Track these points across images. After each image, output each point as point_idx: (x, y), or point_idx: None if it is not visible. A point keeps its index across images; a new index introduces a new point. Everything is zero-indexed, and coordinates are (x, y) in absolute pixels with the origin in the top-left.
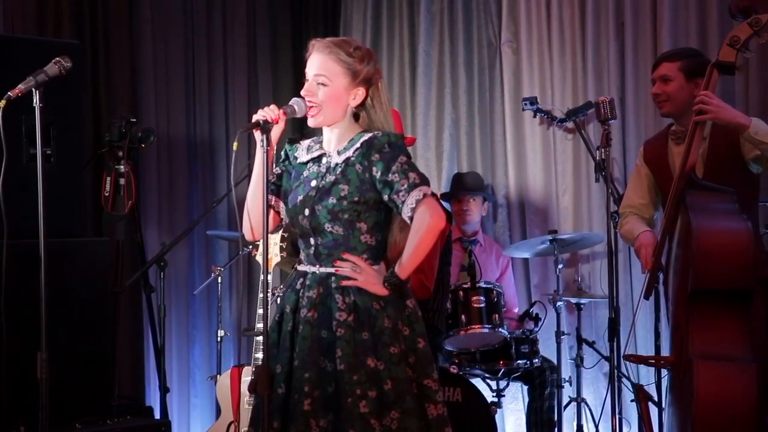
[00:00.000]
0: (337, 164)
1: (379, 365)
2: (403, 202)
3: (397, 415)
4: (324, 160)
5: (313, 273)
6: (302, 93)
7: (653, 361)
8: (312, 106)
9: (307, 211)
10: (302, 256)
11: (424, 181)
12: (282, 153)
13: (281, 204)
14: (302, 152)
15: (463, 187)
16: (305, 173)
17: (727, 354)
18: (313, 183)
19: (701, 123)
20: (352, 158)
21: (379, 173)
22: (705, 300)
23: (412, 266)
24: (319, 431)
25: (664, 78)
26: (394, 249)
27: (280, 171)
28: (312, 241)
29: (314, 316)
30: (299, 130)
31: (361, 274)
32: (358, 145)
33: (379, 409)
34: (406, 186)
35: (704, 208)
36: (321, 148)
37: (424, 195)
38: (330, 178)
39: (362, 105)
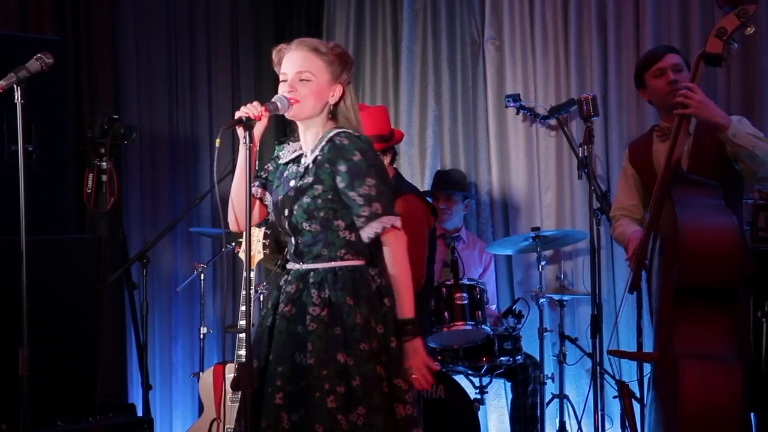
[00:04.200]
0: (310, 164)
1: (348, 361)
2: (361, 228)
3: (364, 411)
4: (302, 160)
5: (296, 270)
6: (284, 90)
7: (637, 357)
8: (293, 101)
9: (286, 212)
10: (287, 254)
11: (387, 208)
12: (275, 152)
13: (268, 196)
14: (286, 153)
15: (443, 185)
16: (285, 173)
17: (712, 353)
18: (292, 183)
19: (687, 117)
20: (320, 157)
21: (343, 185)
22: (691, 298)
23: (410, 303)
24: (291, 425)
25: (677, 67)
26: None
27: (272, 167)
28: (293, 240)
29: (291, 311)
30: (283, 126)
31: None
32: (323, 142)
33: (346, 405)
34: (367, 214)
35: (690, 203)
36: (300, 149)
37: (383, 228)
38: (308, 179)
39: (336, 105)
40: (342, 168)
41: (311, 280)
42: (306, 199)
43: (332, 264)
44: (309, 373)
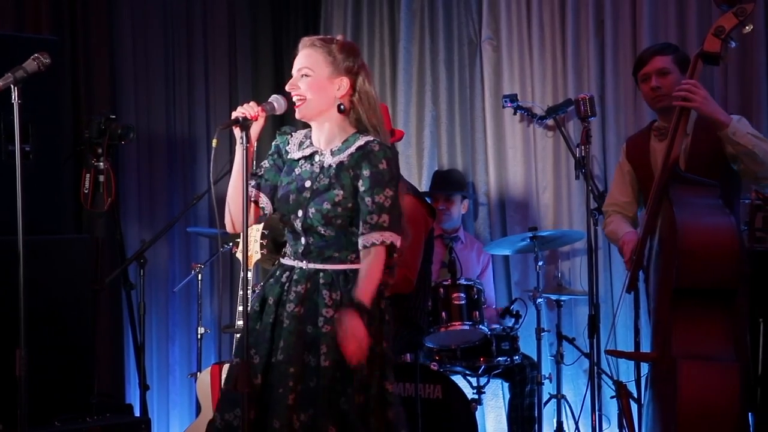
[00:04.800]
0: (330, 166)
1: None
2: (361, 234)
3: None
4: (317, 158)
5: (301, 269)
6: (286, 88)
7: (635, 357)
8: (296, 98)
9: (300, 212)
10: (288, 250)
11: (394, 224)
12: (272, 145)
13: (263, 198)
14: (294, 147)
15: (442, 185)
16: (297, 170)
17: (710, 354)
18: (308, 183)
19: (685, 115)
20: (346, 162)
21: (362, 189)
22: (689, 298)
23: (367, 297)
24: (300, 425)
25: (661, 71)
26: None
27: (268, 164)
28: (303, 240)
29: (300, 311)
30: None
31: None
32: (353, 149)
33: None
34: (373, 222)
35: (688, 203)
36: (312, 144)
37: (382, 242)
38: (324, 180)
39: (349, 100)
40: (366, 173)
41: (322, 281)
42: (326, 205)
43: (342, 266)
44: (324, 374)
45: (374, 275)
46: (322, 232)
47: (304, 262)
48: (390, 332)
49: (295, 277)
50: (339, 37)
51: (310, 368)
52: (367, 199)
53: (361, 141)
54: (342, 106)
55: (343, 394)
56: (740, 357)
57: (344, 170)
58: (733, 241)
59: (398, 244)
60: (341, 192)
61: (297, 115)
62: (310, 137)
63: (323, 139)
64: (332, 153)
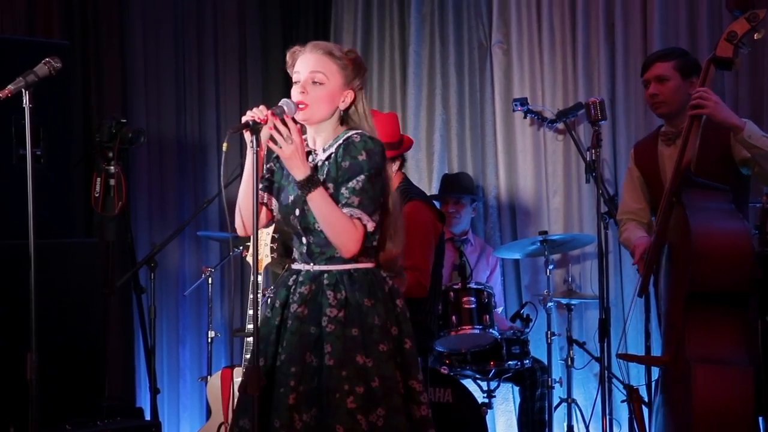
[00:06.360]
0: (322, 162)
1: (367, 362)
2: None
3: (384, 412)
4: (310, 158)
5: (307, 271)
6: (296, 91)
7: (646, 361)
8: (302, 103)
9: (297, 211)
10: (296, 254)
11: (363, 205)
12: None
13: (273, 201)
14: None
15: (450, 189)
16: None
17: (724, 358)
18: None
19: (697, 119)
20: (333, 156)
21: (340, 180)
22: (702, 302)
23: (315, 207)
24: (302, 425)
25: (660, 78)
26: (385, 253)
27: (272, 167)
28: (304, 239)
29: (304, 312)
30: None
31: (290, 147)
32: (340, 141)
33: (366, 406)
34: (344, 202)
35: (702, 207)
36: (307, 145)
37: (350, 215)
38: (317, 176)
39: (346, 110)
40: (345, 164)
41: (326, 282)
42: None
43: (346, 266)
44: (328, 374)
45: (331, 209)
46: (320, 228)
47: (311, 264)
48: (411, 332)
49: (300, 279)
50: (351, 50)
51: (312, 368)
52: (343, 189)
53: (348, 134)
54: (343, 120)
55: (351, 393)
56: (753, 361)
57: (332, 164)
58: (747, 245)
59: (369, 227)
60: (332, 185)
61: (298, 117)
62: (304, 138)
63: (319, 141)
64: (324, 150)
